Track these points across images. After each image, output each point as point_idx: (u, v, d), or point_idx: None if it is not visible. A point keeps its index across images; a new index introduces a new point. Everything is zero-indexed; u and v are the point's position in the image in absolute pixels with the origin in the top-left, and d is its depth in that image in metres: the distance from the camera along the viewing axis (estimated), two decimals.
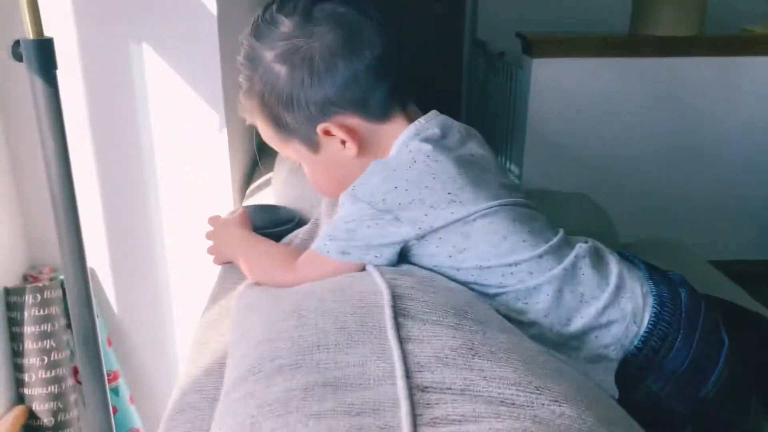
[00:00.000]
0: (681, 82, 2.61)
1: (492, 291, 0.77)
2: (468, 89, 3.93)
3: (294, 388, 0.53)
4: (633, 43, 2.60)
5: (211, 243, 0.95)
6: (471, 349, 0.60)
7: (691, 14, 2.56)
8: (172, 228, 1.24)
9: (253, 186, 1.27)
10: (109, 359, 1.29)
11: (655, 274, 0.83)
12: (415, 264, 0.78)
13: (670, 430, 0.79)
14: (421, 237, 0.75)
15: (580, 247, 0.80)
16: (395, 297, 0.66)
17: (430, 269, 0.77)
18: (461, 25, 3.82)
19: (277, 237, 0.92)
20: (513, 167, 2.82)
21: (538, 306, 0.76)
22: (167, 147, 1.18)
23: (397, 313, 0.63)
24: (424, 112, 0.85)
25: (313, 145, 0.82)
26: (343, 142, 0.81)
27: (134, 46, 1.13)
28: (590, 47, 2.58)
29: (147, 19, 1.11)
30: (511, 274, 0.76)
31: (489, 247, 0.75)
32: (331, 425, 0.46)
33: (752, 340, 1.18)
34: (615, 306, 0.77)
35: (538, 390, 0.55)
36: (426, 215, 0.74)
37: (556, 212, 1.68)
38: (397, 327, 0.61)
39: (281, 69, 0.79)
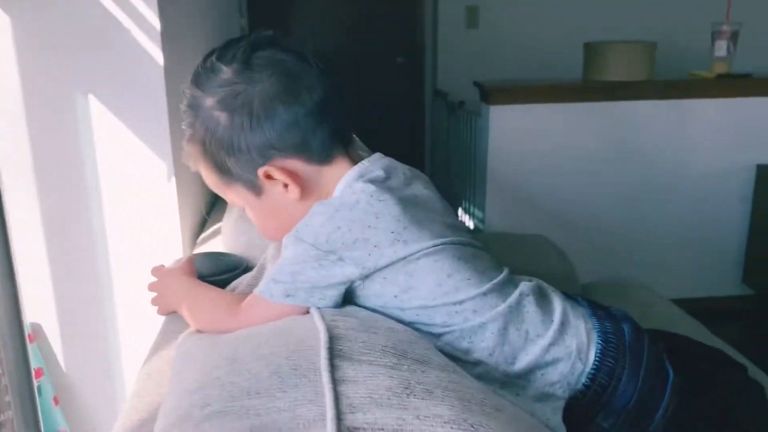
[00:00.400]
0: (633, 125, 2.68)
1: (437, 330, 0.76)
2: (431, 137, 3.99)
3: None
4: (586, 88, 2.68)
5: (155, 294, 0.93)
6: (407, 388, 0.59)
7: (641, 61, 2.65)
8: (122, 280, 1.22)
9: (204, 234, 1.26)
10: (56, 419, 1.24)
11: (599, 311, 0.84)
12: (361, 305, 0.77)
13: None
14: (366, 276, 0.74)
15: (525, 285, 0.81)
16: (333, 338, 0.65)
17: (377, 310, 0.77)
18: (422, 77, 3.91)
19: (224, 284, 0.90)
20: (477, 212, 2.84)
21: (483, 344, 0.75)
22: (115, 198, 1.17)
23: (334, 355, 0.62)
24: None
25: (256, 189, 0.82)
26: (285, 186, 0.80)
27: (80, 97, 1.13)
28: (545, 94, 2.64)
29: (92, 70, 1.11)
30: (456, 312, 0.75)
31: (434, 285, 0.75)
32: None
33: (705, 373, 1.18)
34: (560, 343, 0.77)
35: (473, 427, 0.55)
36: (370, 255, 0.73)
37: (515, 255, 1.69)
38: (332, 369, 0.60)
39: (221, 115, 0.79)
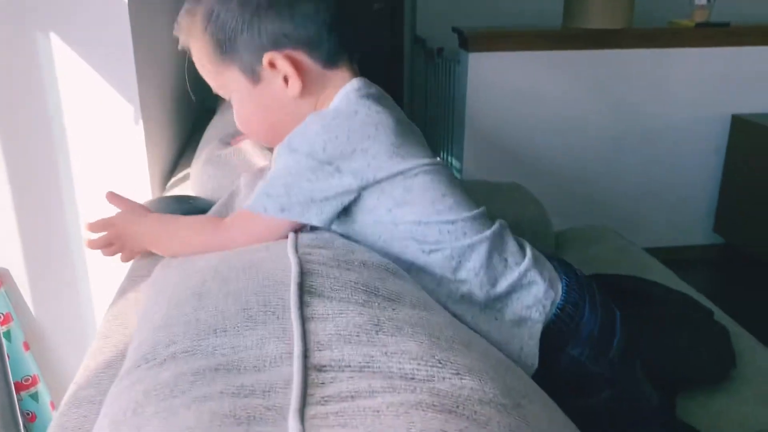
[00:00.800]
0: (611, 73, 2.67)
1: (428, 248, 0.77)
2: (409, 85, 3.94)
3: (184, 372, 0.50)
4: (565, 36, 2.65)
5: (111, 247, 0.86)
6: (376, 325, 0.59)
7: (620, 8, 2.62)
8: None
9: (173, 179, 1.23)
10: (27, 364, 1.23)
11: (551, 258, 0.88)
12: (353, 221, 0.76)
13: (592, 395, 0.82)
14: (363, 188, 0.73)
15: (501, 221, 0.83)
16: (304, 274, 0.64)
17: (364, 229, 0.76)
18: (401, 23, 3.83)
19: None
20: (454, 160, 2.83)
21: (470, 264, 0.77)
22: (81, 141, 1.14)
23: (304, 291, 0.61)
24: None
25: (255, 77, 0.79)
26: (286, 80, 0.78)
27: (42, 38, 1.08)
28: (524, 41, 2.61)
29: (54, 9, 1.07)
30: (448, 232, 0.77)
31: (429, 203, 0.75)
32: (214, 407, 0.44)
33: (673, 316, 1.21)
34: (534, 270, 0.80)
35: (440, 363, 0.55)
36: (369, 166, 0.72)
37: (490, 201, 1.69)
38: (302, 305, 0.59)
39: None
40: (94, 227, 0.86)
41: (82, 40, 1.08)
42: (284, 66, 0.77)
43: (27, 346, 1.26)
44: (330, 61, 0.80)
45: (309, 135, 0.72)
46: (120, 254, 0.87)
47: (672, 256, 2.82)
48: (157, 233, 0.83)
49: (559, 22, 2.72)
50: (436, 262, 0.76)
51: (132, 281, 0.83)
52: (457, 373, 0.53)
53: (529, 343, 0.78)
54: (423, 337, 0.57)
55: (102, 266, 1.23)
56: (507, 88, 2.61)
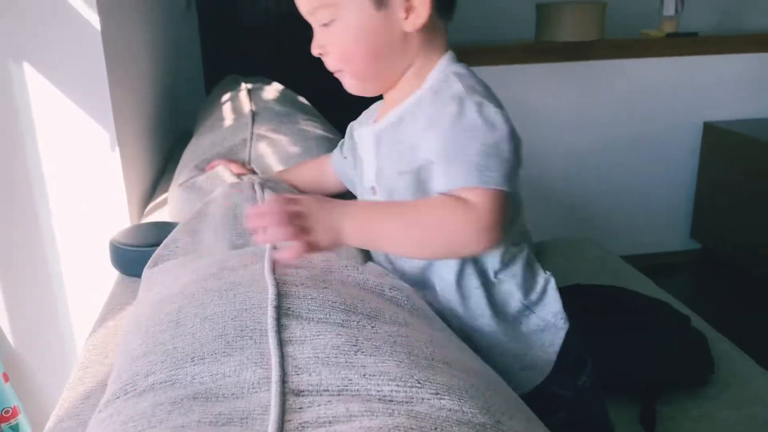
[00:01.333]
0: (585, 84, 2.71)
1: (514, 240, 0.80)
2: None
3: (162, 402, 0.50)
4: (538, 49, 2.68)
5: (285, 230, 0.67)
6: (354, 345, 0.59)
7: (592, 21, 2.67)
8: (68, 252, 1.19)
9: (152, 204, 1.23)
10: (6, 395, 1.22)
11: None
12: None
13: (547, 415, 0.83)
14: None
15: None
16: (281, 296, 0.64)
17: None
18: None
19: None
20: None
21: (514, 269, 0.80)
22: (57, 170, 1.13)
23: (281, 314, 0.62)
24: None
25: (380, 1, 0.73)
26: (408, 11, 0.74)
27: (15, 67, 1.08)
28: (498, 55, 2.64)
29: (27, 38, 1.07)
30: (521, 234, 0.82)
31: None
32: None
33: (650, 323, 1.23)
34: (551, 283, 0.83)
35: (419, 383, 0.55)
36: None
37: None
38: (279, 329, 0.59)
39: None
40: (274, 206, 0.68)
41: (55, 68, 1.08)
42: None
43: (6, 378, 1.24)
44: (448, 12, 0.78)
45: (478, 84, 0.74)
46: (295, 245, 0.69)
47: (651, 263, 2.86)
48: (380, 220, 0.72)
49: (532, 35, 2.76)
50: (488, 261, 0.79)
51: (112, 309, 0.83)
52: (436, 393, 0.53)
53: (548, 350, 0.80)
54: (402, 356, 0.58)
55: (82, 295, 1.22)
56: None
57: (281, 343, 0.57)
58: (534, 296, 0.81)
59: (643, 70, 2.72)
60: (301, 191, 0.99)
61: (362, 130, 0.87)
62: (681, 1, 2.67)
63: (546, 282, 0.82)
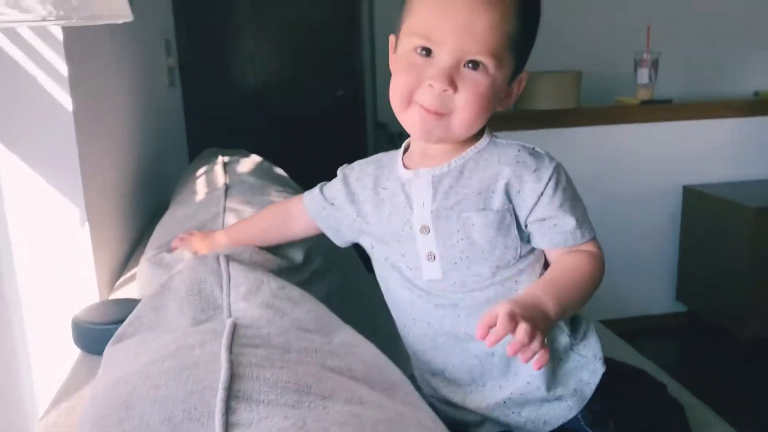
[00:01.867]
0: (563, 151, 2.73)
1: None
2: None
3: None
4: (517, 117, 2.75)
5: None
6: (301, 428, 0.58)
7: (568, 90, 2.74)
8: (35, 329, 1.18)
9: (122, 278, 1.23)
10: None
11: None
12: None
13: None
14: None
15: None
16: (233, 377, 0.63)
17: None
18: (363, 109, 3.95)
19: None
20: None
21: None
22: (27, 245, 1.13)
23: (231, 397, 0.61)
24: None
25: (513, 77, 0.85)
26: (508, 95, 0.86)
27: None
28: None
29: None
30: None
31: None
32: None
33: (625, 392, 1.21)
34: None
35: None
36: None
37: None
38: (227, 412, 0.59)
39: None
40: (508, 312, 0.70)
41: (27, 148, 1.09)
42: (521, 85, 0.87)
43: None
44: None
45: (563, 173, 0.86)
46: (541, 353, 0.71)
47: (637, 326, 2.85)
48: (569, 296, 0.80)
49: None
50: None
51: (68, 389, 0.82)
52: None
53: (584, 388, 0.88)
54: None
55: (46, 374, 1.20)
56: None
57: (227, 427, 0.57)
58: (579, 335, 0.89)
59: (620, 136, 2.78)
60: (261, 238, 1.05)
61: (403, 173, 0.91)
62: (654, 70, 2.76)
63: (588, 324, 0.92)
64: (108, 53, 1.36)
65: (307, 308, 0.85)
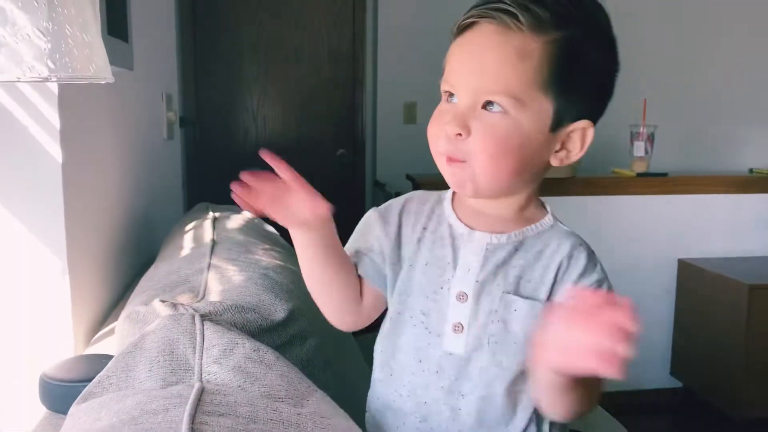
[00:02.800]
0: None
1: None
2: None
3: None
4: None
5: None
6: None
7: None
8: (3, 385, 1.15)
9: (101, 332, 1.21)
10: None
11: None
12: None
13: None
14: None
15: None
16: None
17: None
18: (363, 169, 3.98)
19: None
20: None
21: None
22: (3, 294, 1.12)
23: None
24: None
25: (558, 124, 0.76)
26: (563, 146, 0.79)
27: None
28: None
29: None
30: None
31: None
32: None
33: None
34: None
35: None
36: None
37: None
38: None
39: (608, 53, 0.78)
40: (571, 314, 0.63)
41: (12, 197, 1.09)
42: (585, 140, 0.78)
43: None
44: None
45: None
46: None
47: (629, 401, 2.78)
48: None
49: None
50: None
51: None
52: None
53: None
54: None
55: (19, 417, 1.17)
56: None
57: None
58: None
59: (615, 207, 2.79)
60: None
61: (456, 226, 0.83)
62: (650, 144, 2.79)
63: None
64: (104, 107, 1.38)
65: (281, 372, 0.83)
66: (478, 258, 0.81)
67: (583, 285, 0.80)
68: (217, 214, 1.56)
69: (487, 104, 0.74)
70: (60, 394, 0.89)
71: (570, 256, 0.82)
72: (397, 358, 0.85)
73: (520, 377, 0.80)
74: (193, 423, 0.63)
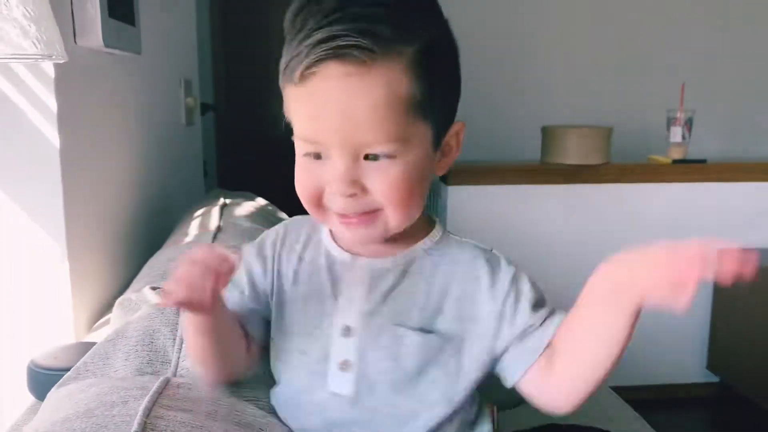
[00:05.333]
0: (590, 208, 2.67)
1: None
2: None
3: None
4: (543, 170, 2.68)
5: None
6: None
7: (598, 144, 2.67)
8: (7, 366, 1.15)
9: (102, 320, 1.20)
10: None
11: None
12: None
13: None
14: None
15: None
16: None
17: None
18: None
19: None
20: None
21: None
22: (2, 281, 1.11)
23: None
24: None
25: (439, 141, 0.71)
26: (445, 153, 0.74)
27: None
28: (502, 175, 2.64)
29: None
30: None
31: None
32: None
33: None
34: None
35: None
36: None
37: None
38: None
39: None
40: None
41: (11, 182, 1.08)
42: (459, 139, 0.74)
43: None
44: None
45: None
46: None
47: (664, 395, 2.69)
48: None
49: (537, 157, 2.77)
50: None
51: None
52: None
53: None
54: None
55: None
56: (486, 221, 2.62)
57: None
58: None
59: (650, 195, 2.69)
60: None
61: (336, 252, 0.76)
62: (688, 129, 2.67)
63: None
64: (106, 91, 1.36)
65: (258, 373, 0.80)
66: (362, 287, 0.73)
67: (497, 294, 0.73)
68: (228, 201, 1.54)
69: (369, 156, 0.66)
70: (46, 383, 0.87)
71: (469, 275, 0.74)
72: (282, 392, 0.77)
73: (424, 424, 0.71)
74: (147, 417, 0.60)
